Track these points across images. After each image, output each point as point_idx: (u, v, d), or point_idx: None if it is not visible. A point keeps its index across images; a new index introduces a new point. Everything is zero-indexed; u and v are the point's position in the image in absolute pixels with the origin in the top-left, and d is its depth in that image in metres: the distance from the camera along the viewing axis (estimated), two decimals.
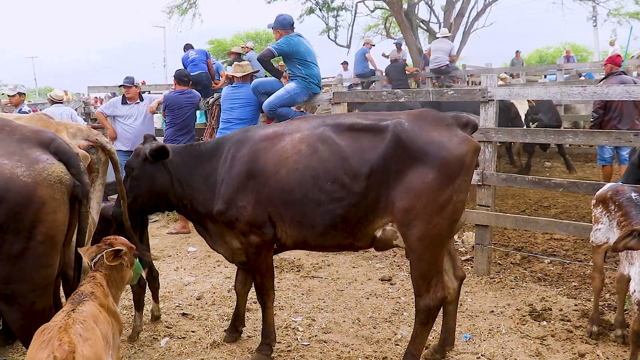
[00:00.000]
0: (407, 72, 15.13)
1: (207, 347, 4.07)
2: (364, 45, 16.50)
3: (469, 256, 6.01)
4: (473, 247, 5.66)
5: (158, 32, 44.18)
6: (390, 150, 3.29)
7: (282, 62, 6.84)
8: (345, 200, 3.35)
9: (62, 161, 2.82)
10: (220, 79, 11.66)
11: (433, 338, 3.93)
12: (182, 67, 10.55)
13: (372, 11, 26.80)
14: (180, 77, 8.00)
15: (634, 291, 3.39)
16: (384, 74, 15.40)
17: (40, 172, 2.70)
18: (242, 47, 13.06)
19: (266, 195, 3.52)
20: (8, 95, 8.67)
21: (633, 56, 16.39)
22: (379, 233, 3.44)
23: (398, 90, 6.23)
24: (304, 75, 6.51)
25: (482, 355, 3.87)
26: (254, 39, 40.76)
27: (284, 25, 6.60)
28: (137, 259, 3.21)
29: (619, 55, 8.01)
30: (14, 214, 2.62)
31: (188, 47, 12.03)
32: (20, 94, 8.63)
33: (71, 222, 2.93)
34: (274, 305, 4.00)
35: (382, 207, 3.34)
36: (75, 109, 9.08)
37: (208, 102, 8.32)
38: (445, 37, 15.16)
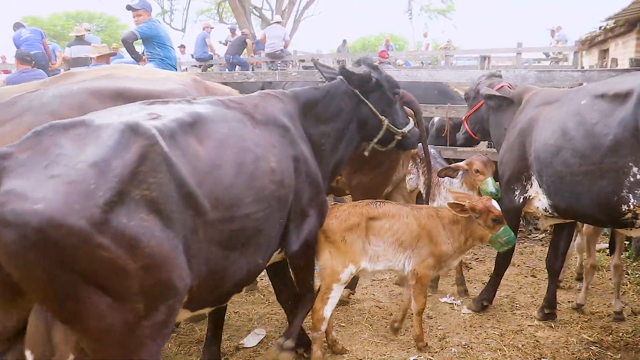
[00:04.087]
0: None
1: None
2: (203, 29, 16.74)
3: None
4: None
5: None
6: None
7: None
8: None
9: None
10: (57, 60, 11.48)
11: None
12: (16, 47, 10.23)
13: None
14: (23, 57, 7.92)
15: None
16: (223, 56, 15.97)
17: None
18: (86, 30, 12.94)
19: None
20: None
21: (441, 47, 19.48)
22: None
23: (248, 72, 7.12)
24: (162, 57, 7.07)
25: None
26: (75, 18, 38.84)
27: (150, 7, 7.06)
28: (507, 231, 3.45)
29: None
30: None
31: (18, 25, 11.62)
32: None
33: None
34: None
35: None
36: None
37: None
38: (278, 23, 16.14)
